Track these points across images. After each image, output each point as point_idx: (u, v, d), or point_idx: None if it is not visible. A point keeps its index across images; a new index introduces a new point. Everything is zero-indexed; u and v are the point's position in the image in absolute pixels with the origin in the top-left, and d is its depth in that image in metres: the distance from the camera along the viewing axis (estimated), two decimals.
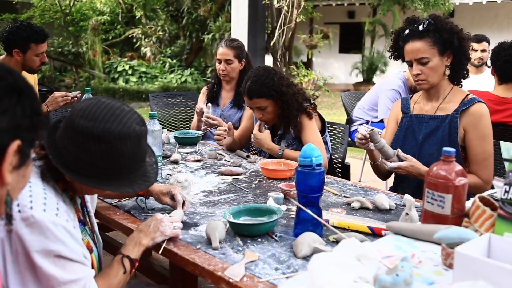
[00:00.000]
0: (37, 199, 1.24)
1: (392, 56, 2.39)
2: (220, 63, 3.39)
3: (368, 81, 15.35)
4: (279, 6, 7.44)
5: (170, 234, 1.57)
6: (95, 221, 1.64)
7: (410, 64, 2.24)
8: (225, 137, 2.86)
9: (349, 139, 4.36)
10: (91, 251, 1.47)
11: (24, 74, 3.40)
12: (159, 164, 2.27)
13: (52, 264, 1.21)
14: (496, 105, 2.93)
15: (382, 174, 2.49)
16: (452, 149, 1.53)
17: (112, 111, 1.33)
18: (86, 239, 1.47)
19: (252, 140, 2.74)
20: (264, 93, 2.59)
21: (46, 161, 1.36)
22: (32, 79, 3.54)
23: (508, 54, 2.96)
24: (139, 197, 1.98)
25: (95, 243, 1.54)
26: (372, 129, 2.15)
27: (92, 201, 1.67)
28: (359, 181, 5.10)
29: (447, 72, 2.26)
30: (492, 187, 2.15)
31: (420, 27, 2.16)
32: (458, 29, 2.18)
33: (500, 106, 2.88)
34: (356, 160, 5.95)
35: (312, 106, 2.71)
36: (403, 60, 2.32)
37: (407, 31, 2.21)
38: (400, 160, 2.17)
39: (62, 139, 1.34)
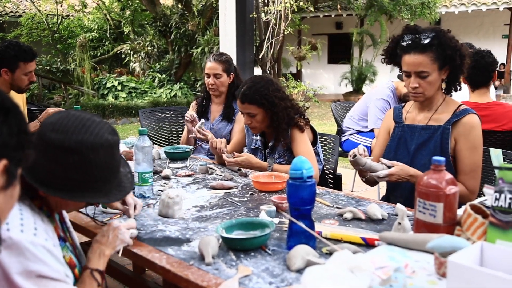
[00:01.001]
0: (13, 220, 1.22)
1: (385, 61, 2.37)
2: (208, 77, 3.41)
3: (357, 90, 15.45)
4: (266, 19, 7.50)
5: (129, 241, 1.59)
6: (76, 236, 1.63)
7: (408, 75, 2.21)
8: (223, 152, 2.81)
9: (340, 149, 4.40)
10: (74, 266, 1.45)
11: (12, 93, 3.38)
12: (150, 180, 2.27)
13: (34, 285, 1.19)
14: (478, 112, 2.98)
15: (372, 182, 2.50)
16: (442, 158, 1.53)
17: (82, 123, 1.34)
18: (68, 255, 1.45)
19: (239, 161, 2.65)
20: (255, 100, 2.60)
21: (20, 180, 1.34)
22: (21, 98, 3.52)
23: (474, 60, 2.99)
24: (88, 206, 1.95)
25: (77, 258, 1.52)
26: (355, 156, 2.15)
27: None
28: (352, 191, 5.11)
29: (443, 85, 2.26)
30: (482, 195, 2.16)
31: (424, 41, 2.12)
32: (460, 45, 2.16)
33: (482, 112, 2.91)
34: (348, 170, 5.96)
35: (306, 120, 2.71)
36: (396, 66, 2.32)
37: (408, 41, 2.17)
38: (389, 167, 2.18)
39: (35, 153, 1.32)
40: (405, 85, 2.28)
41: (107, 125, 1.39)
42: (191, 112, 3.32)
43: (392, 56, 2.32)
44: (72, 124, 1.33)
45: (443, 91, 2.30)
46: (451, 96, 2.34)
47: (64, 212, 1.57)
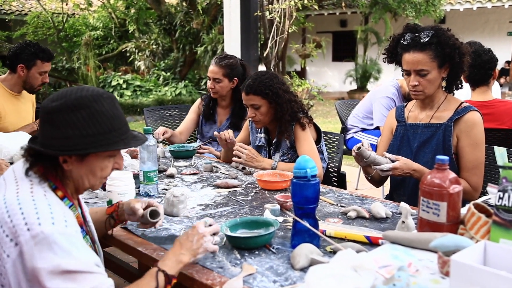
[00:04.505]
0: (43, 213, 1.25)
1: (386, 60, 2.39)
2: (210, 80, 3.38)
3: (362, 88, 15.44)
4: (271, 17, 7.49)
5: (211, 250, 1.50)
6: (95, 231, 1.63)
7: (408, 73, 2.23)
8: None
9: (345, 147, 4.40)
10: None
11: (24, 93, 3.42)
12: (155, 178, 2.28)
13: (63, 281, 1.20)
14: (480, 110, 2.98)
15: (377, 182, 2.51)
16: (446, 157, 1.54)
17: (77, 88, 1.39)
18: (88, 245, 1.46)
19: (243, 160, 2.63)
20: (260, 91, 2.60)
21: (39, 169, 1.37)
22: (31, 99, 3.55)
23: (471, 59, 2.99)
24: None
25: (96, 252, 1.54)
26: (359, 147, 2.17)
27: None
28: (356, 189, 5.11)
29: (443, 84, 2.27)
30: (485, 194, 2.16)
31: (423, 39, 2.14)
32: (459, 43, 2.18)
33: (484, 110, 2.91)
34: (353, 167, 5.96)
35: (309, 118, 2.71)
36: (397, 65, 2.33)
37: (408, 40, 2.19)
38: (392, 162, 2.19)
39: (44, 132, 1.36)
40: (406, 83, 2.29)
41: (100, 88, 1.43)
42: (161, 131, 3.33)
43: (393, 55, 2.33)
44: (67, 90, 1.38)
45: (443, 89, 2.31)
46: (453, 94, 2.35)
47: (84, 206, 1.59)
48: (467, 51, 2.20)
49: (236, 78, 3.36)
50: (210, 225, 1.55)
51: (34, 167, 1.36)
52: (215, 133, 2.93)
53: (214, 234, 1.54)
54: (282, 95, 2.63)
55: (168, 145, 3.44)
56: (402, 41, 2.22)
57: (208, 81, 3.41)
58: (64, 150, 1.34)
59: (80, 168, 1.40)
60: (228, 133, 2.85)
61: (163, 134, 3.30)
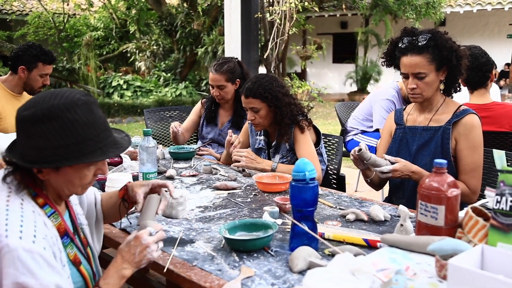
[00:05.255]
0: (13, 225, 1.22)
1: (385, 64, 2.41)
2: (213, 88, 3.37)
3: (362, 90, 15.45)
4: (271, 19, 7.51)
5: (156, 258, 1.48)
6: (89, 234, 1.61)
7: (406, 76, 2.25)
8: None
9: (344, 149, 4.40)
10: (79, 263, 1.44)
11: (25, 95, 3.43)
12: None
13: None
14: (478, 113, 2.99)
15: (376, 185, 2.51)
16: (444, 161, 1.54)
17: (50, 93, 1.31)
18: (73, 252, 1.43)
19: (243, 163, 2.65)
20: (259, 94, 2.61)
21: (15, 176, 1.32)
22: None
23: (469, 61, 3.00)
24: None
25: (87, 255, 1.52)
26: (360, 149, 2.18)
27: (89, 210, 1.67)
28: (356, 191, 5.11)
29: (441, 86, 2.28)
30: (483, 197, 2.17)
31: (420, 42, 2.16)
32: (457, 46, 2.19)
33: (482, 113, 2.91)
34: (352, 169, 5.96)
35: (308, 121, 2.72)
36: (396, 68, 2.34)
37: (406, 44, 2.21)
38: (392, 164, 2.20)
39: (20, 141, 1.32)
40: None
41: (77, 90, 1.35)
42: (176, 125, 3.38)
43: (392, 59, 2.35)
44: (40, 97, 1.30)
45: (441, 91, 2.32)
46: (452, 97, 2.36)
47: (76, 208, 1.56)
48: (464, 54, 2.22)
49: (238, 80, 3.36)
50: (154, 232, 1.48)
51: (11, 175, 1.32)
52: (230, 131, 2.91)
53: (159, 241, 1.48)
54: (282, 98, 2.63)
55: (168, 146, 3.45)
56: (400, 45, 2.24)
57: (211, 88, 3.40)
58: (35, 162, 1.28)
59: (57, 178, 1.35)
60: (237, 140, 2.84)
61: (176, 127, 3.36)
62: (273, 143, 2.81)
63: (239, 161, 2.63)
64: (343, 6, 13.88)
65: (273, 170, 2.64)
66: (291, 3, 7.35)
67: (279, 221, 1.92)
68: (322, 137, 2.88)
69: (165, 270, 1.53)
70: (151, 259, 1.45)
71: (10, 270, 1.18)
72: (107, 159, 1.80)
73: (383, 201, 2.41)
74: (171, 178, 2.63)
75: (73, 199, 1.59)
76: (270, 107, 2.64)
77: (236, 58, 3.51)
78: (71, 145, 1.28)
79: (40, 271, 1.21)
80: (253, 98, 2.62)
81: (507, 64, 14.75)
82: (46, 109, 1.26)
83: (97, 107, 1.36)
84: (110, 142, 1.36)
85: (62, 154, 1.28)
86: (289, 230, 1.77)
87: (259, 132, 2.90)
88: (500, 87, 14.28)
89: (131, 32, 14.90)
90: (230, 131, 2.92)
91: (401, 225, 1.71)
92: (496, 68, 3.21)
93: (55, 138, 1.26)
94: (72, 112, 1.27)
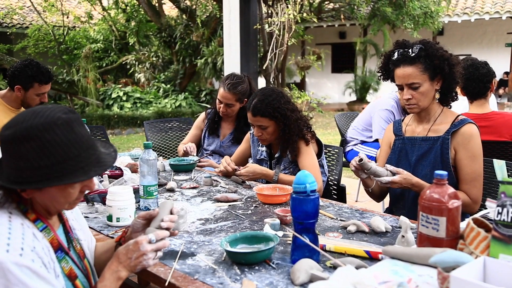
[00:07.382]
0: (0, 239, 1.22)
1: (381, 77, 2.44)
2: (220, 103, 3.37)
3: (361, 99, 15.50)
4: (270, 30, 7.54)
5: (152, 265, 1.47)
6: (87, 249, 1.60)
7: (401, 88, 2.28)
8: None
9: (344, 159, 4.40)
10: (74, 278, 1.43)
11: (23, 109, 3.43)
12: (155, 193, 2.28)
13: None
14: (478, 123, 3.01)
15: (377, 196, 2.51)
16: (444, 172, 1.54)
17: (32, 111, 1.29)
18: (68, 267, 1.42)
19: (244, 173, 2.71)
20: (268, 113, 2.61)
21: (4, 193, 1.32)
22: None
23: (468, 72, 3.03)
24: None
25: (85, 268, 1.50)
26: (361, 159, 2.18)
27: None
28: (356, 201, 5.10)
29: (437, 96, 2.30)
30: (484, 208, 2.16)
31: (411, 53, 2.19)
32: (448, 55, 2.22)
33: (482, 123, 2.92)
34: (352, 179, 5.96)
35: (312, 133, 2.73)
36: (392, 81, 2.36)
37: (397, 56, 2.24)
38: (393, 174, 2.20)
39: (3, 160, 1.31)
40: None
41: (60, 107, 1.32)
42: (191, 145, 3.38)
43: (387, 72, 2.37)
44: (21, 116, 1.28)
45: (437, 101, 2.33)
46: (450, 107, 2.37)
47: (72, 223, 1.56)
48: (457, 62, 2.24)
49: (246, 99, 3.37)
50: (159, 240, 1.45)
51: None
52: (204, 160, 3.02)
53: (158, 250, 1.46)
54: (290, 116, 2.63)
55: (168, 158, 3.45)
56: (392, 57, 2.28)
57: (218, 103, 3.40)
58: (18, 183, 1.27)
59: (42, 197, 1.34)
60: (226, 163, 2.85)
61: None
62: (276, 155, 2.81)
63: (244, 181, 2.72)
64: (342, 17, 13.98)
65: (274, 181, 2.64)
66: (289, 14, 7.39)
67: (280, 233, 1.92)
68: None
69: (166, 283, 1.53)
70: (146, 266, 1.45)
71: (2, 281, 1.18)
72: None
73: (384, 212, 2.40)
74: (171, 190, 2.63)
75: (69, 214, 1.58)
76: (279, 125, 2.65)
77: (247, 76, 3.50)
78: (51, 166, 1.26)
79: (32, 282, 1.21)
80: (261, 117, 2.63)
81: (506, 73, 14.81)
82: (25, 129, 1.24)
83: (80, 125, 1.33)
84: (93, 161, 1.33)
85: (43, 174, 1.26)
86: (290, 242, 1.76)
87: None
88: (499, 96, 14.34)
89: (130, 44, 14.97)
90: (204, 160, 3.08)
91: (403, 236, 1.71)
92: (495, 77, 3.23)
93: (34, 159, 1.25)
94: (50, 132, 1.26)
